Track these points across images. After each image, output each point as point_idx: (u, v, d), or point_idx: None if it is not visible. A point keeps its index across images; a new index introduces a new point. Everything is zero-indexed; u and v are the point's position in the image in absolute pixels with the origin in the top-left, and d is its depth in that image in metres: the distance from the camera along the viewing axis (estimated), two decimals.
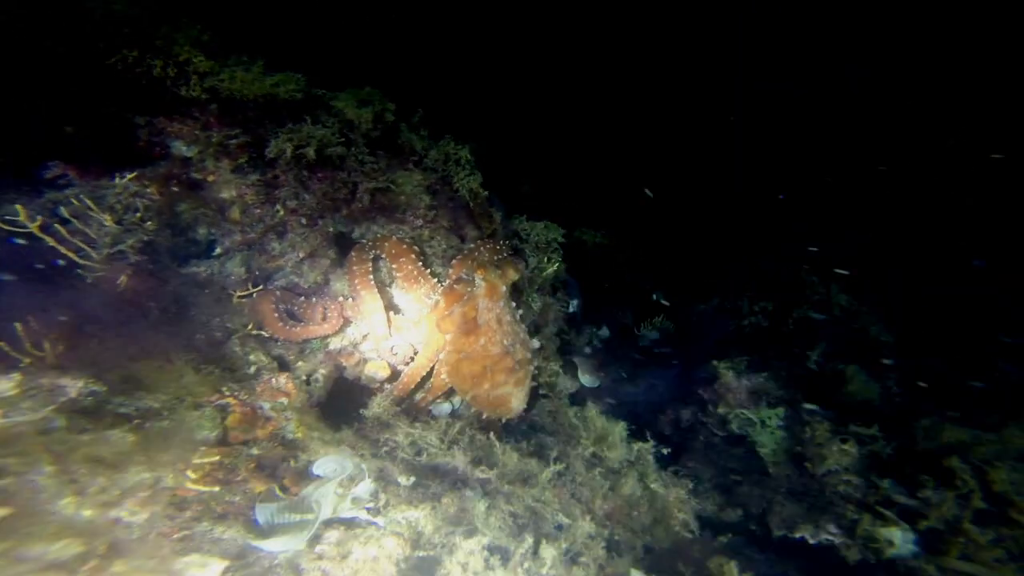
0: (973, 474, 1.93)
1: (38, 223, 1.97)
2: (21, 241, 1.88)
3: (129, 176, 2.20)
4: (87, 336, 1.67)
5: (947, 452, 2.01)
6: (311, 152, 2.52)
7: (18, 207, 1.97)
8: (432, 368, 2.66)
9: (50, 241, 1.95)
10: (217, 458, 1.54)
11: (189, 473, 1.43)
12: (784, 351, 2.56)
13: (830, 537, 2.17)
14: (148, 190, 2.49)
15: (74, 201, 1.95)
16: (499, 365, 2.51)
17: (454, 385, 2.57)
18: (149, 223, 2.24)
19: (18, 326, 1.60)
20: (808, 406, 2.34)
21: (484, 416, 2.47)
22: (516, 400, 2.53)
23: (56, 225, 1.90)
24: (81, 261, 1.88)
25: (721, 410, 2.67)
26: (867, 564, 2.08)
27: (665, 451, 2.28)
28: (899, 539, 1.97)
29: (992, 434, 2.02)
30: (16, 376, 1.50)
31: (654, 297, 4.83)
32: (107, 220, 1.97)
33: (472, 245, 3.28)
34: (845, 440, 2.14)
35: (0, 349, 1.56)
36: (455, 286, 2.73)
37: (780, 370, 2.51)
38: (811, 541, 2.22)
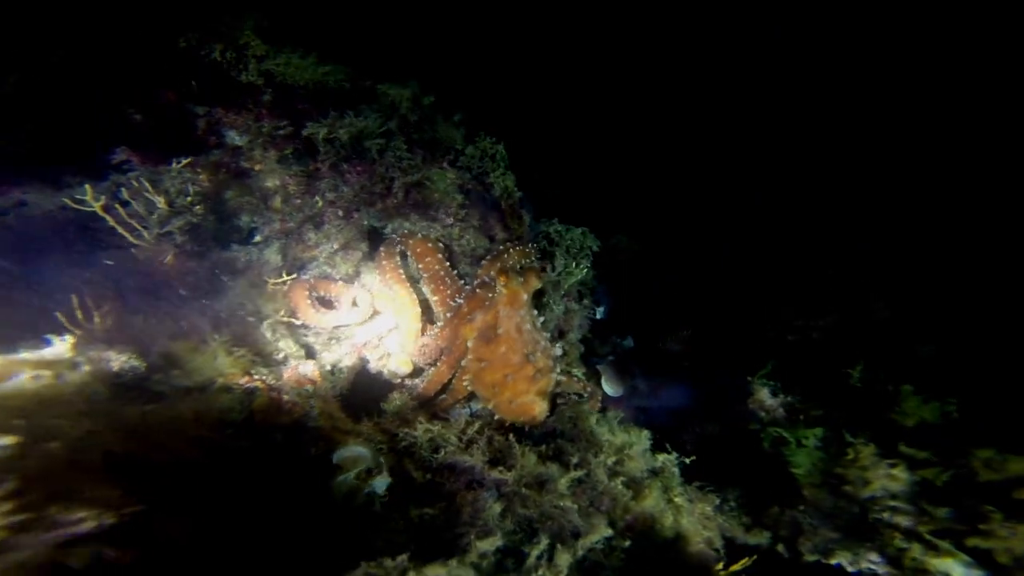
0: None
1: (101, 202, 2.11)
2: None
3: (185, 161, 2.32)
4: (133, 312, 1.75)
5: (1016, 484, 1.83)
6: (344, 135, 2.59)
7: (87, 187, 2.11)
8: (454, 374, 2.65)
9: (110, 220, 2.08)
10: (244, 443, 1.57)
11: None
12: (825, 367, 2.41)
13: (871, 566, 2.01)
14: (200, 177, 2.63)
15: (134, 183, 2.07)
16: (520, 374, 2.48)
17: (477, 393, 2.56)
18: (198, 207, 2.35)
19: (74, 298, 1.71)
20: (850, 428, 2.19)
21: (507, 423, 2.44)
22: (538, 408, 2.49)
23: (116, 206, 2.02)
24: (135, 240, 1.99)
25: (753, 427, 2.54)
26: None
27: (688, 462, 2.18)
28: (960, 572, 1.80)
29: None
30: (69, 340, 1.60)
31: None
32: (160, 202, 2.08)
33: (501, 247, 3.28)
34: (894, 464, 1.99)
35: (56, 318, 1.67)
36: (478, 290, 2.72)
37: (820, 387, 2.36)
38: (849, 569, 2.07)
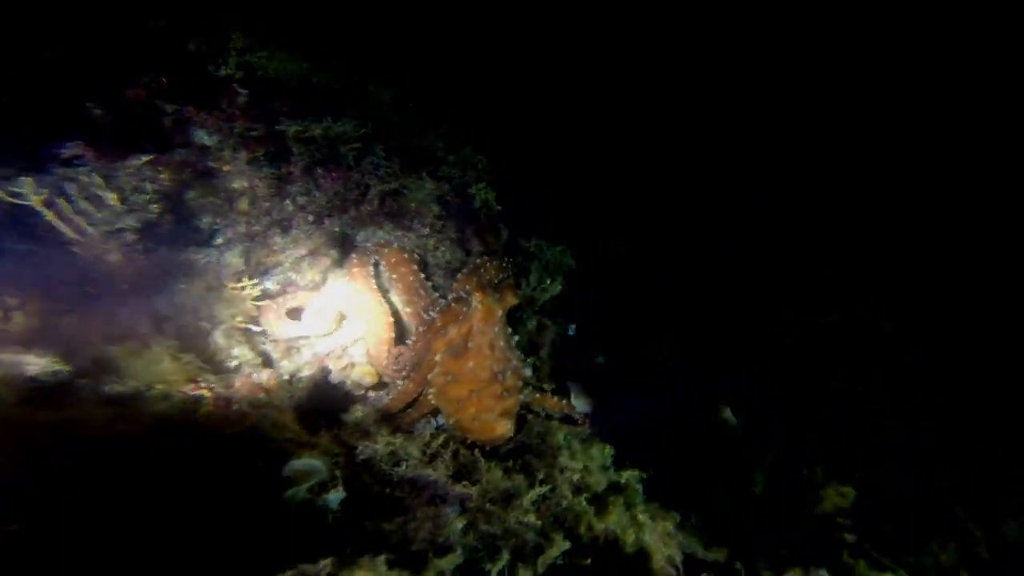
0: (978, 524, 1.81)
1: (42, 197, 1.97)
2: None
3: (146, 159, 2.21)
4: (66, 312, 1.63)
5: (952, 501, 1.91)
6: (319, 134, 2.55)
7: (27, 179, 1.97)
8: (423, 390, 2.58)
9: (50, 215, 1.94)
10: (185, 454, 1.46)
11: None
12: (792, 384, 2.47)
13: None
14: (161, 175, 2.51)
15: (83, 178, 1.95)
16: (487, 391, 2.43)
17: (440, 407, 2.49)
18: (154, 206, 2.24)
19: None
20: (803, 448, 2.25)
21: (468, 441, 2.37)
22: (502, 428, 2.43)
23: (59, 201, 1.89)
24: (76, 238, 1.86)
25: (717, 447, 2.57)
26: None
27: (650, 480, 2.17)
28: None
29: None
30: None
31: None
32: (113, 199, 1.96)
33: (478, 261, 3.26)
34: (843, 483, 2.05)
35: None
36: (452, 304, 2.68)
37: (783, 407, 2.43)
38: None
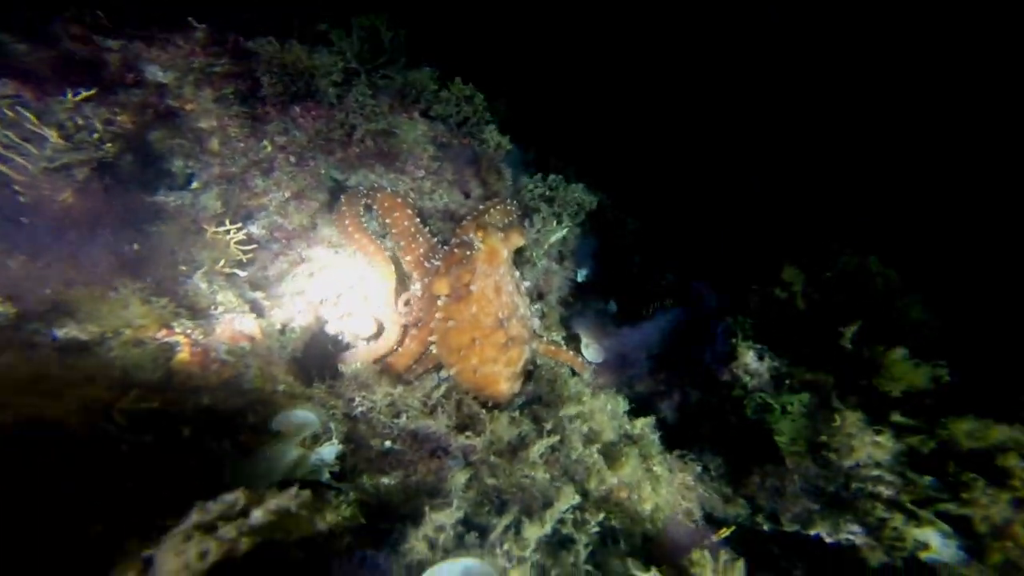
0: None
1: None
2: None
3: (85, 93, 1.94)
4: (10, 253, 1.45)
5: (1000, 451, 1.74)
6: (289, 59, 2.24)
7: None
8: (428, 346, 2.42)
9: None
10: (155, 404, 1.32)
11: (116, 418, 1.21)
12: (814, 329, 2.27)
13: (850, 537, 1.93)
14: (119, 117, 2.26)
15: (8, 113, 1.70)
16: (489, 339, 2.24)
17: (440, 356, 2.33)
18: (109, 145, 1.99)
19: None
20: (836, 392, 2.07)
21: (471, 396, 2.21)
22: (505, 382, 2.26)
23: None
24: (12, 174, 1.64)
25: (736, 392, 2.40)
26: (892, 568, 1.86)
27: (665, 429, 2.03)
28: (937, 542, 1.72)
29: None
30: None
31: (668, 277, 4.55)
32: (53, 135, 1.72)
33: (482, 206, 3.00)
34: (880, 431, 1.88)
35: None
36: (455, 249, 2.46)
37: (807, 350, 2.23)
38: (827, 539, 1.99)
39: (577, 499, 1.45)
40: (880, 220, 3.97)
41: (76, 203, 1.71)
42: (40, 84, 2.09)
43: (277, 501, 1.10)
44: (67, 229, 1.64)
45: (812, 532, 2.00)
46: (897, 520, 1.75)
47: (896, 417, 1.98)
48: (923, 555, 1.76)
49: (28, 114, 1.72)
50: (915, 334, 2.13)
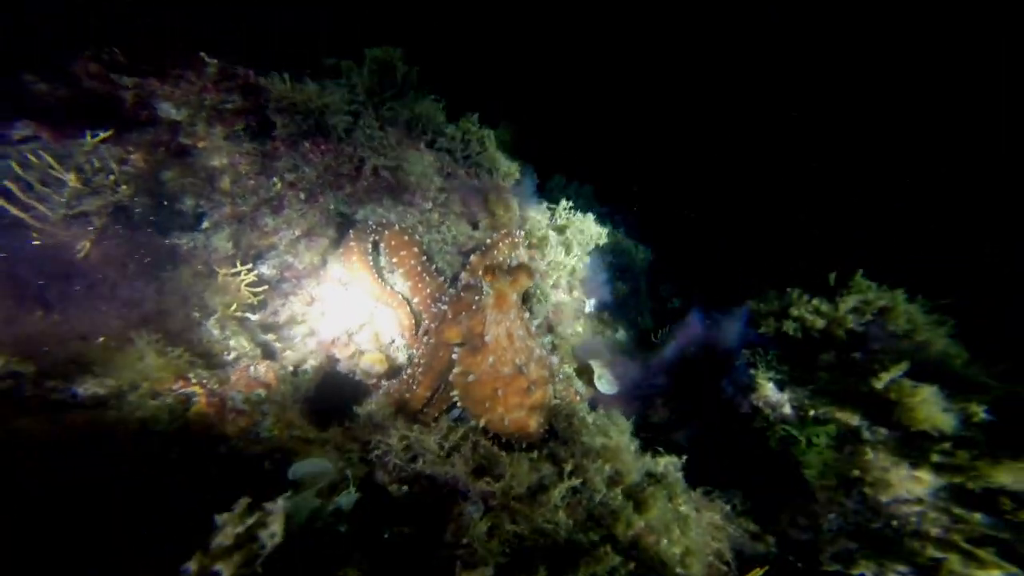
0: None
1: None
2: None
3: (103, 135, 1.96)
4: (28, 308, 1.43)
5: None
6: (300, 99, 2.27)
7: None
8: (438, 388, 2.38)
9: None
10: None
11: None
12: (837, 361, 2.23)
13: None
14: (132, 156, 2.28)
15: (31, 158, 1.71)
16: (511, 387, 2.19)
17: (466, 410, 2.28)
18: (124, 187, 2.00)
19: None
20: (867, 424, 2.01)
21: (503, 440, 2.16)
22: (534, 423, 2.22)
23: (9, 185, 1.66)
24: (33, 222, 1.64)
25: (758, 424, 2.35)
26: None
27: (688, 465, 1.96)
28: None
29: None
30: None
31: (674, 303, 4.54)
32: (71, 179, 1.73)
33: (488, 242, 3.00)
34: (916, 465, 1.82)
35: None
36: (462, 294, 2.44)
37: (830, 383, 2.19)
38: None
39: (616, 559, 1.38)
40: (899, 239, 3.91)
41: (93, 251, 1.70)
42: (58, 125, 2.11)
43: None
44: (83, 277, 1.63)
45: (856, 572, 1.91)
46: (954, 562, 1.66)
47: (937, 456, 1.90)
48: None
49: (48, 158, 1.73)
50: (941, 369, 2.08)
